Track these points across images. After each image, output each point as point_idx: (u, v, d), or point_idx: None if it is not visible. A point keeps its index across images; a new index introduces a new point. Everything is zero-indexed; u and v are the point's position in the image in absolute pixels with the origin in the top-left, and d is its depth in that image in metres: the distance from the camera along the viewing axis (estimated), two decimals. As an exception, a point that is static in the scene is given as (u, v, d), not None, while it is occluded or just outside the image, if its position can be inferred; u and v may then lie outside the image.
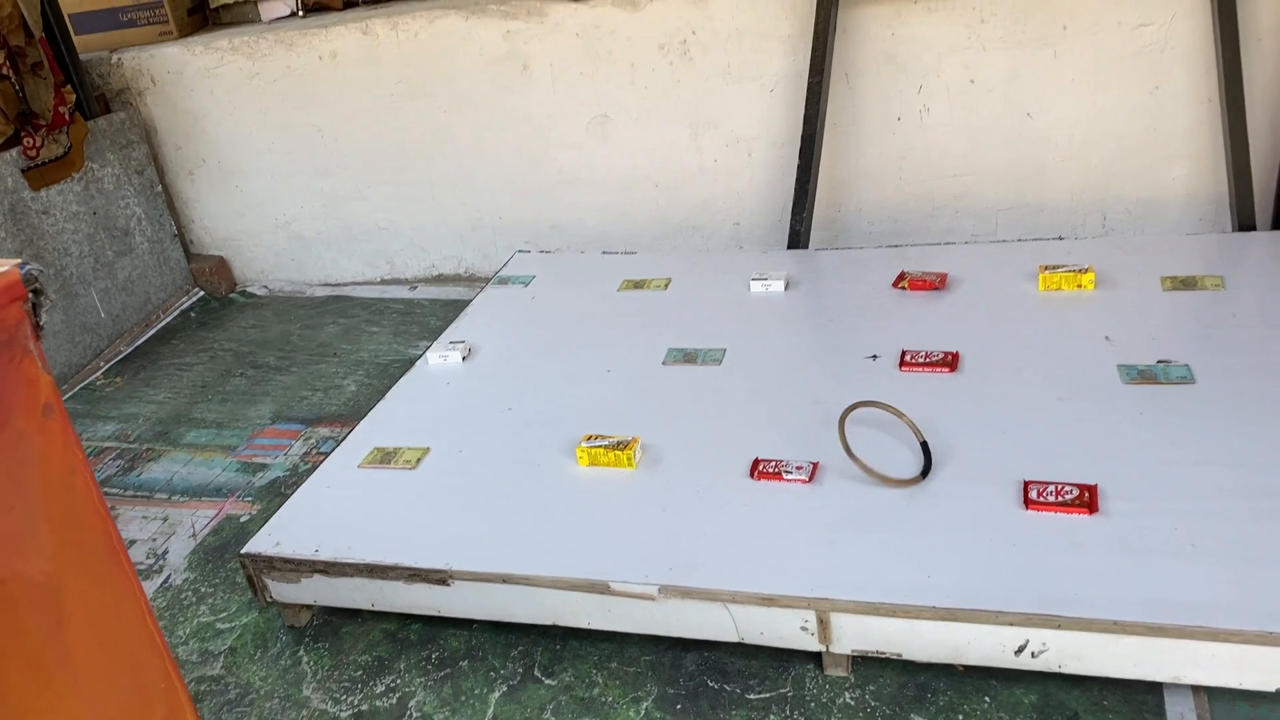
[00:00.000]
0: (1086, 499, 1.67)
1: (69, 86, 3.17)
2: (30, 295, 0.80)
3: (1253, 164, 2.45)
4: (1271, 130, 2.52)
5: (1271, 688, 1.45)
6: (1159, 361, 2.00)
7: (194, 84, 3.35)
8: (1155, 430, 1.82)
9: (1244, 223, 2.45)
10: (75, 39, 3.27)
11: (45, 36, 3.10)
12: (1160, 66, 2.55)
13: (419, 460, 2.11)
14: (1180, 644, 1.45)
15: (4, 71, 2.95)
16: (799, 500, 1.80)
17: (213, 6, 3.57)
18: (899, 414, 1.86)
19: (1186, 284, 2.25)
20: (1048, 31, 2.59)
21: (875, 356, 2.18)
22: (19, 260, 0.80)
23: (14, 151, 3.02)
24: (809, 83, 2.69)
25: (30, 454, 0.79)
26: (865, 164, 2.88)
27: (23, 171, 3.04)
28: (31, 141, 3.04)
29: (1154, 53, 2.54)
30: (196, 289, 3.59)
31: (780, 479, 1.84)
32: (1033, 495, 1.70)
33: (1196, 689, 1.56)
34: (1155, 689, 1.57)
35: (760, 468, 1.87)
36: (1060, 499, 1.68)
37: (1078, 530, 1.63)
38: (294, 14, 3.42)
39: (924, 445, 1.82)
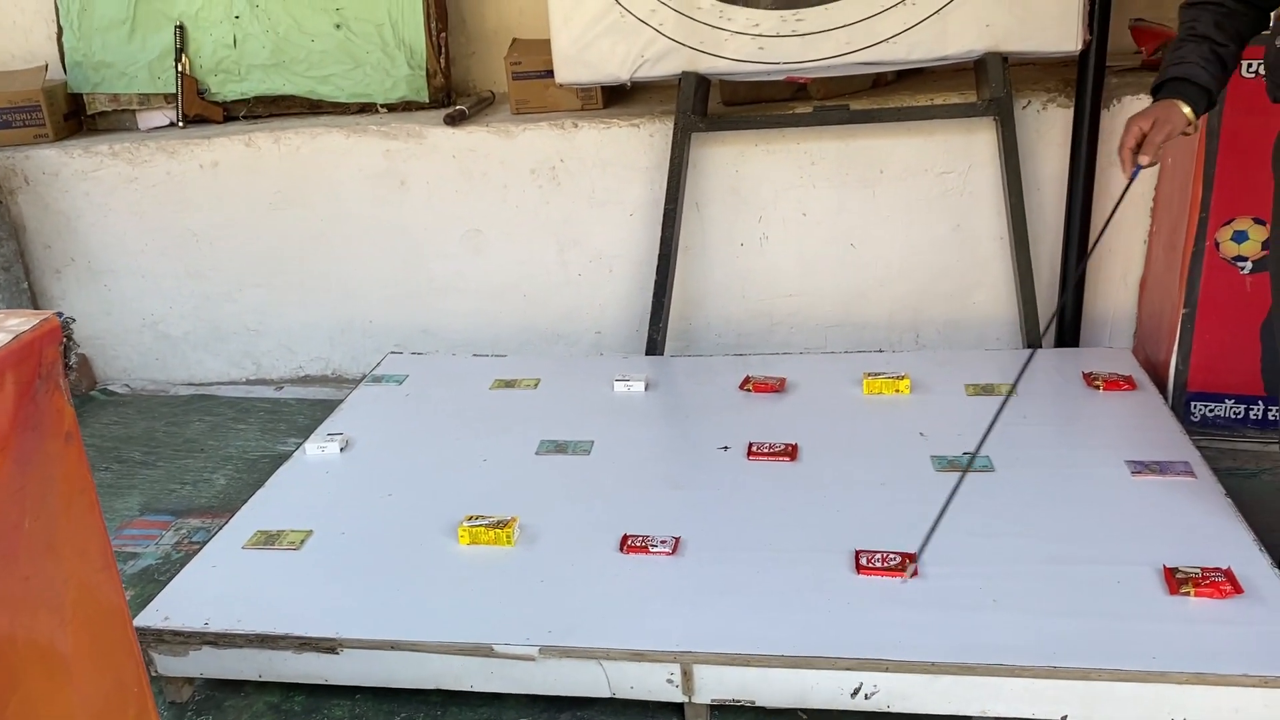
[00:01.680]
0: (907, 564, 1.95)
1: (-60, 181, 3.19)
2: (64, 339, 0.96)
3: (1037, 292, 2.90)
4: (1051, 264, 2.99)
5: (1057, 715, 1.73)
6: (964, 453, 2.33)
7: (69, 185, 3.42)
8: (963, 509, 2.13)
9: (1031, 341, 2.88)
10: (-53, 136, 3.31)
11: (-81, 132, 3.13)
12: (961, 207, 3.00)
13: (302, 541, 2.22)
14: (984, 680, 1.73)
15: (-124, 163, 2.97)
16: (664, 570, 2.01)
17: (89, 113, 3.66)
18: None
19: (986, 390, 2.63)
20: (867, 174, 3.01)
21: (726, 447, 2.44)
22: (56, 310, 0.96)
23: (-123, 242, 3.01)
24: (665, 209, 3.01)
25: (55, 471, 0.94)
26: (713, 282, 3.21)
27: (-116, 262, 3.02)
28: (-104, 233, 3.04)
29: (955, 196, 2.99)
30: (56, 385, 3.57)
31: (647, 552, 2.06)
32: (863, 562, 1.97)
33: (1000, 723, 1.83)
34: (967, 725, 1.83)
35: (629, 542, 2.08)
36: (885, 564, 1.96)
37: (900, 590, 1.91)
38: (172, 124, 3.55)
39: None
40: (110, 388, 3.65)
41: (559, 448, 2.50)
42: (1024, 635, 1.77)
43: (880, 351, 3.04)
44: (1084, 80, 2.74)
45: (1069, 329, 2.96)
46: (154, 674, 2.00)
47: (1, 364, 0.88)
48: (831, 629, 1.82)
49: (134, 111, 3.62)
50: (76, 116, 3.66)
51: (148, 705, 1.05)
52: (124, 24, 3.52)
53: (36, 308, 3.49)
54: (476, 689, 1.90)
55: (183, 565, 2.22)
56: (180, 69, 3.48)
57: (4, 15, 3.74)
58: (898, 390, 2.65)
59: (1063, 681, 1.70)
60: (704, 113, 3.00)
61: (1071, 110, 2.81)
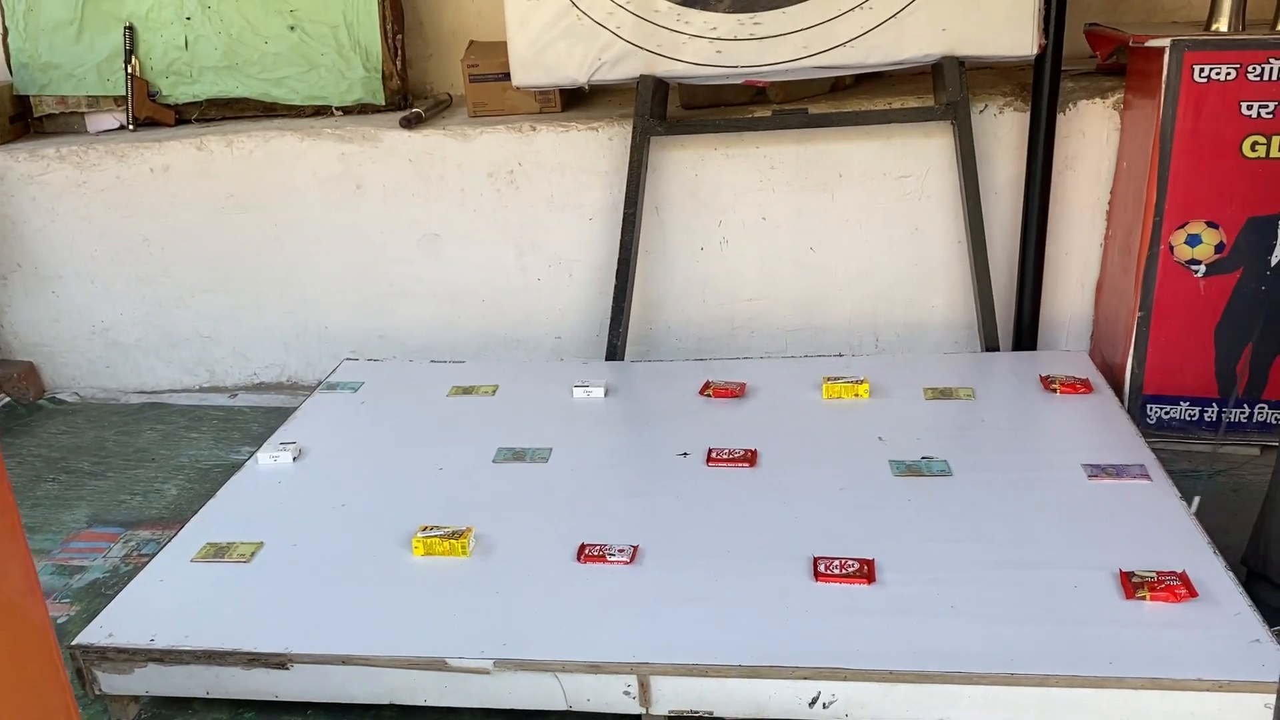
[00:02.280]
0: (865, 571, 1.94)
1: (-122, 185, 3.11)
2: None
3: (995, 296, 2.91)
4: (1009, 267, 3.00)
5: (1015, 722, 1.73)
6: (923, 458, 2.33)
7: (14, 190, 3.34)
8: (921, 514, 2.13)
9: (989, 344, 2.89)
10: (-114, 139, 3.22)
11: None
12: (919, 211, 3.00)
13: (253, 554, 2.17)
14: (943, 688, 1.72)
15: None
16: (621, 579, 1.99)
17: (36, 116, 3.58)
18: None
19: (944, 394, 2.63)
20: (826, 178, 3.01)
21: (685, 454, 2.43)
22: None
23: None
24: (624, 213, 2.99)
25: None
26: (673, 287, 3.19)
27: None
28: None
29: (913, 200, 3.00)
30: (2, 395, 3.49)
31: (604, 561, 2.03)
32: (821, 569, 1.96)
33: (958, 730, 1.82)
34: (925, 733, 1.82)
35: (586, 551, 2.06)
36: (844, 571, 1.95)
37: (858, 597, 1.90)
38: (123, 127, 3.48)
39: None
40: (59, 396, 3.57)
41: (517, 455, 2.47)
42: (982, 642, 1.76)
43: (840, 355, 3.04)
44: (1040, 84, 2.75)
45: (1026, 332, 2.97)
46: (98, 692, 1.95)
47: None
48: (789, 637, 1.81)
49: (83, 114, 3.55)
50: (23, 119, 3.58)
51: (75, 728, 1.02)
52: (72, 25, 3.44)
53: (-19, 315, 3.40)
54: (430, 704, 1.87)
55: (131, 579, 2.17)
56: (130, 71, 3.42)
57: (-53, 15, 3.65)
58: (857, 394, 2.64)
59: (1021, 689, 1.69)
60: (663, 116, 2.98)
61: (1028, 114, 2.82)
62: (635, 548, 2.06)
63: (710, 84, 2.93)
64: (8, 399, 3.50)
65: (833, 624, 1.83)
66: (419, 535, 2.12)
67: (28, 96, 3.53)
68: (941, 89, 2.80)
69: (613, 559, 2.03)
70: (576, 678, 1.80)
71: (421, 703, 1.87)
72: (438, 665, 1.83)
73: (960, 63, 2.73)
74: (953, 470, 2.28)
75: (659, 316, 3.23)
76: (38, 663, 0.97)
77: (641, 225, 3.04)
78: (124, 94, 3.44)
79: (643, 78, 2.85)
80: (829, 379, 2.68)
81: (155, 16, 3.40)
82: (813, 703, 1.76)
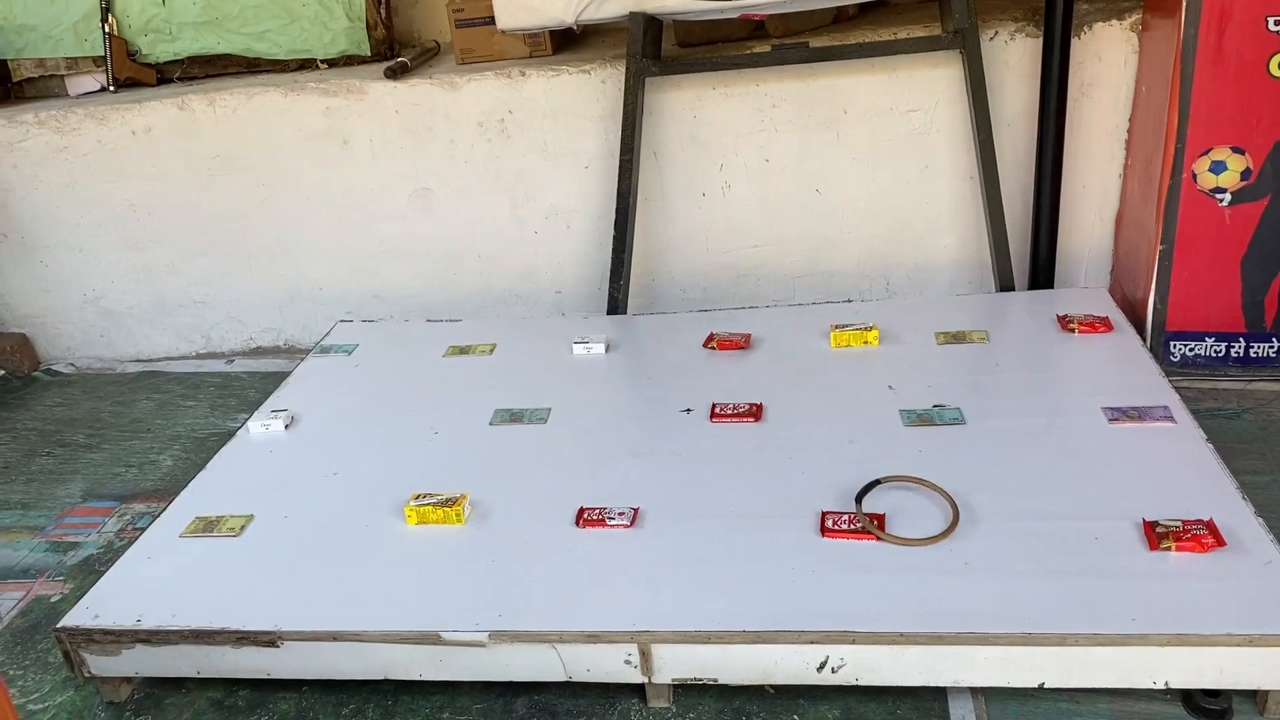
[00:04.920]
0: (876, 525, 1.85)
1: None
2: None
3: (1009, 233, 2.78)
4: (1024, 202, 2.87)
5: (1034, 684, 1.64)
6: (935, 406, 2.23)
7: (-5, 157, 3.26)
8: (932, 466, 2.03)
9: (1004, 284, 2.77)
10: None
11: None
12: (928, 147, 2.87)
13: (243, 527, 2.11)
14: (955, 650, 1.64)
15: None
16: (621, 543, 1.91)
17: (15, 81, 3.48)
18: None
19: (957, 338, 2.52)
20: (830, 115, 2.87)
21: (689, 410, 2.34)
22: None
23: None
24: (620, 160, 2.87)
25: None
26: (675, 235, 3.08)
27: None
28: None
29: (922, 135, 2.86)
30: (-5, 368, 3.44)
31: (604, 525, 1.95)
32: (829, 524, 1.87)
33: (974, 692, 1.74)
34: (940, 695, 1.75)
35: (585, 515, 1.98)
36: (852, 526, 1.86)
37: (867, 554, 1.81)
38: (104, 89, 3.37)
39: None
40: (54, 368, 3.51)
41: (514, 417, 2.39)
42: (997, 600, 1.68)
43: (849, 301, 2.93)
44: (1053, 7, 2.60)
45: (1042, 270, 2.85)
46: (87, 675, 1.90)
47: None
48: (795, 600, 1.73)
49: (62, 77, 3.44)
50: (3, 84, 3.48)
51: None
52: (46, -16, 3.33)
53: (-31, 288, 3.34)
54: (426, 678, 1.81)
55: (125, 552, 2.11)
56: (107, 30, 3.30)
57: (-81, -21, 3.54)
58: (866, 342, 2.54)
59: (1039, 648, 1.61)
60: (657, 55, 2.85)
61: (1040, 40, 2.67)
62: (636, 510, 1.98)
63: (705, 19, 2.80)
64: (2, 372, 3.44)
65: (841, 583, 1.76)
66: (412, 504, 2.05)
67: (5, 61, 3.43)
68: (949, 16, 2.65)
69: (612, 522, 1.96)
70: (575, 648, 1.74)
71: (417, 677, 1.81)
72: (431, 639, 1.76)
73: (968, -13, 2.58)
74: (966, 418, 2.18)
75: (661, 267, 3.12)
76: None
77: (640, 172, 2.92)
78: (103, 54, 3.33)
79: (633, 15, 2.71)
80: (837, 326, 2.58)
81: (130, -28, 3.28)
82: (820, 667, 1.68)
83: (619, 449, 2.24)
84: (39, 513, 2.64)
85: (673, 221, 3.07)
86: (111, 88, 3.34)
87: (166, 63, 3.37)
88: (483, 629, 1.75)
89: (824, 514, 1.91)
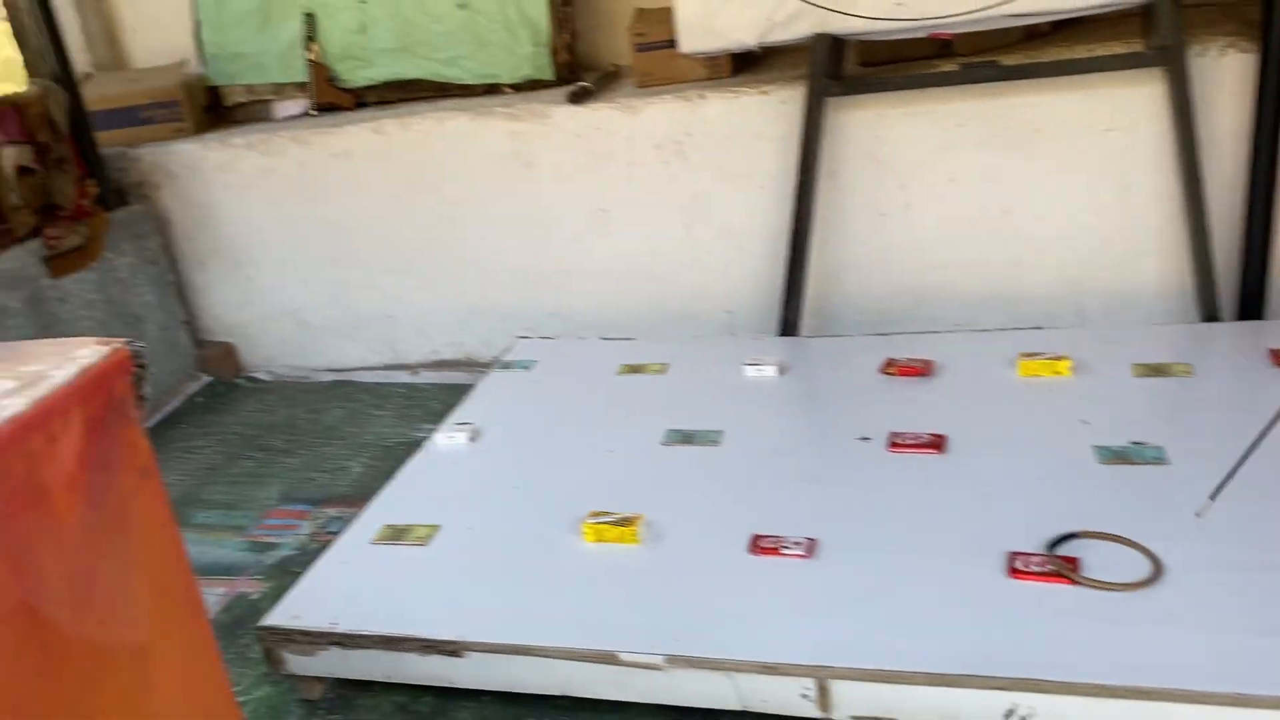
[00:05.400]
0: (1070, 569, 1.77)
1: (91, 180, 3.31)
2: (136, 369, 0.91)
3: (1216, 259, 2.61)
4: (1231, 227, 2.69)
5: (1247, 748, 1.53)
6: (1133, 443, 2.11)
7: (209, 178, 3.50)
8: (1131, 507, 1.92)
9: (1209, 314, 2.60)
10: (97, 135, 3.42)
11: (70, 133, 3.25)
12: (1126, 168, 2.73)
13: (429, 537, 2.19)
14: (1160, 707, 1.54)
15: (31, 165, 3.09)
16: (798, 574, 1.89)
17: (227, 105, 3.74)
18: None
19: (1157, 371, 2.38)
20: (1021, 135, 2.77)
21: (866, 438, 2.29)
22: (127, 339, 0.91)
23: (36, 241, 3.14)
24: (798, 180, 2.85)
25: (131, 509, 0.89)
26: (852, 256, 3.03)
27: (43, 260, 3.16)
28: (53, 232, 3.17)
29: (1121, 155, 2.72)
30: (204, 374, 3.69)
31: (779, 554, 1.93)
32: (1018, 565, 1.80)
33: (1177, 752, 1.63)
34: (1139, 752, 1.64)
35: (759, 543, 1.97)
36: (1043, 569, 1.78)
37: (1060, 599, 1.73)
38: (306, 113, 3.59)
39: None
40: (255, 375, 3.74)
41: (686, 438, 2.40)
42: (1205, 655, 1.57)
43: (1038, 329, 2.81)
44: (1270, 20, 2.43)
45: (1252, 300, 2.66)
46: (285, 672, 2.01)
47: (67, 400, 0.83)
48: (982, 642, 1.67)
49: (268, 102, 3.68)
50: (215, 109, 3.74)
51: (241, 744, 1.01)
52: (256, 14, 3.56)
53: (183, 299, 3.60)
54: (603, 697, 1.83)
55: (318, 556, 2.23)
56: (310, 57, 3.51)
57: (148, 13, 3.86)
58: (1057, 372, 2.43)
59: (1253, 711, 1.50)
60: (839, 76, 2.82)
61: (1255, 56, 2.51)
62: (812, 540, 1.95)
63: (890, 39, 2.75)
64: (210, 378, 3.69)
65: (1030, 628, 1.68)
66: (589, 521, 2.08)
67: (218, 87, 3.69)
68: (1153, 31, 2.52)
69: (788, 552, 1.93)
70: (751, 678, 1.72)
71: (595, 695, 1.84)
72: (609, 659, 1.79)
73: (1176, 0, 2.44)
74: (1168, 458, 2.05)
75: (836, 288, 3.08)
76: (202, 675, 0.97)
77: (817, 192, 2.89)
78: (306, 80, 3.54)
79: (817, 36, 2.69)
80: (1025, 355, 2.47)
81: (332, 2, 3.47)
82: (1008, 716, 1.61)
83: (793, 475, 2.22)
84: (240, 513, 2.82)
85: (850, 242, 3.03)
86: (313, 112, 3.55)
87: (363, 88, 3.55)
88: (659, 652, 1.76)
89: (1012, 554, 1.83)
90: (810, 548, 1.94)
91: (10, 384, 0.85)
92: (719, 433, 2.40)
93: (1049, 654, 1.62)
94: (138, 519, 0.90)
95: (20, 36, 3.26)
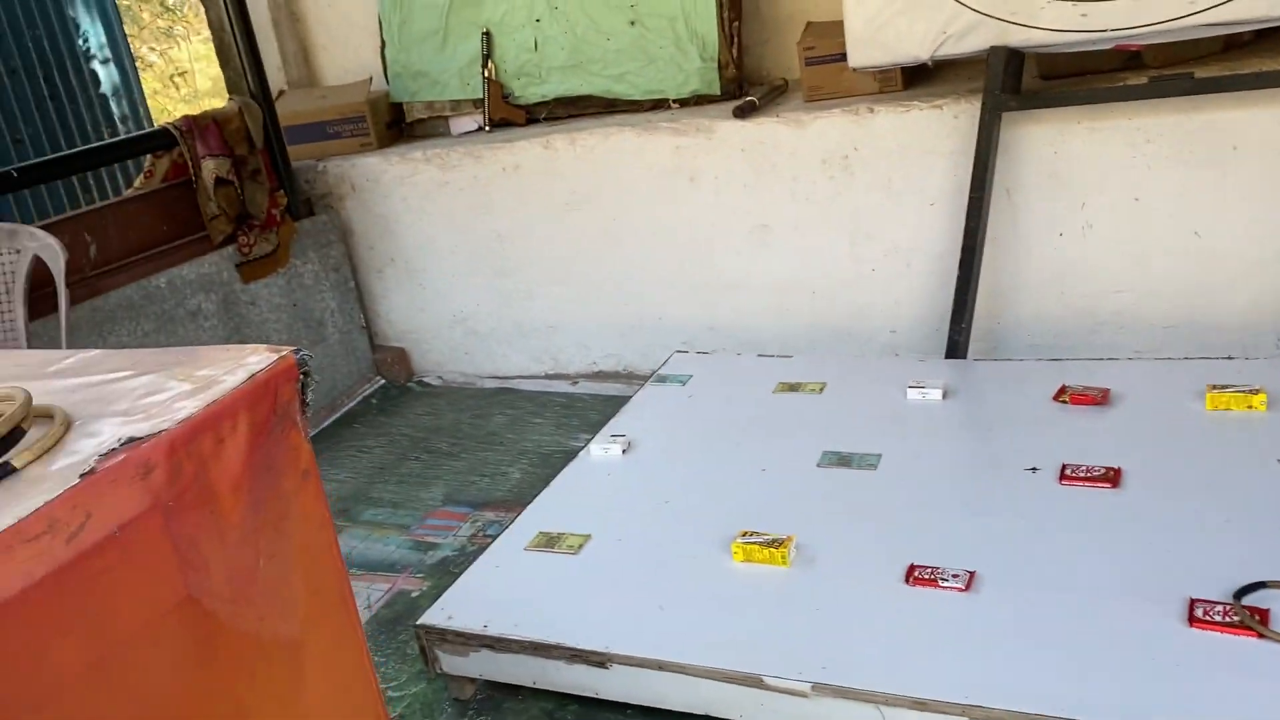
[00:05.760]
0: (1258, 621, 1.63)
1: (281, 191, 3.52)
2: (301, 376, 0.95)
3: None
4: None
5: None
6: (1337, 487, 1.94)
7: (389, 190, 3.67)
8: (1333, 557, 1.76)
9: None
10: (289, 149, 3.63)
11: (265, 147, 3.47)
12: (1338, 187, 2.51)
13: (581, 546, 2.22)
14: (1360, 781, 1.40)
15: (229, 177, 3.32)
16: (955, 608, 1.81)
17: (408, 121, 3.91)
18: None
19: (1368, 408, 2.18)
20: (1216, 152, 2.59)
21: (1035, 469, 2.18)
22: (294, 348, 0.95)
23: (231, 248, 3.37)
24: (970, 197, 2.75)
25: (291, 510, 0.94)
26: (1025, 277, 2.90)
27: (236, 266, 3.38)
28: (246, 239, 3.39)
29: (1331, 173, 2.51)
30: (378, 377, 3.86)
31: (936, 585, 1.86)
32: (1199, 614, 1.67)
33: (1381, 833, 1.48)
34: (1334, 829, 1.50)
35: (915, 573, 1.90)
36: (1227, 619, 1.65)
37: (1245, 652, 1.59)
38: (481, 129, 3.71)
39: None
40: (425, 379, 3.89)
41: (843, 460, 2.34)
42: None
43: (1229, 359, 2.61)
44: None
45: None
46: (438, 671, 2.07)
47: (235, 404, 0.87)
48: (1155, 695, 1.55)
49: (446, 118, 3.83)
50: (397, 125, 3.92)
51: (387, 743, 1.04)
52: (437, 34, 3.71)
53: (362, 305, 3.78)
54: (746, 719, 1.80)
55: (475, 558, 2.29)
56: (486, 75, 3.63)
57: (339, 34, 4.08)
58: (1250, 406, 2.25)
59: None
60: (1017, 89, 2.70)
61: None
62: (972, 573, 1.87)
63: (1073, 51, 2.62)
64: (384, 381, 3.86)
65: (1211, 683, 1.56)
66: (739, 540, 2.06)
67: (401, 104, 3.86)
68: (1374, 38, 2.31)
69: (946, 584, 1.86)
70: (901, 713, 1.66)
71: (738, 717, 1.81)
72: (754, 682, 1.76)
73: (1401, 4, 2.24)
74: (1378, 505, 1.87)
75: (1008, 310, 2.95)
76: (351, 675, 1.00)
77: (990, 209, 2.78)
78: (481, 97, 3.66)
79: (994, 49, 2.59)
80: (1215, 386, 2.30)
81: (509, 20, 3.59)
82: (1183, 776, 1.50)
83: (954, 504, 2.13)
84: (406, 512, 2.93)
85: (1024, 262, 2.90)
86: (487, 127, 3.67)
87: (535, 104, 3.65)
88: (805, 679, 1.72)
89: (1192, 601, 1.70)
90: (969, 581, 1.85)
91: (186, 387, 0.90)
92: (877, 456, 2.34)
93: (1230, 712, 1.50)
94: (297, 520, 0.94)
95: (223, 56, 3.51)
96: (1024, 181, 2.82)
